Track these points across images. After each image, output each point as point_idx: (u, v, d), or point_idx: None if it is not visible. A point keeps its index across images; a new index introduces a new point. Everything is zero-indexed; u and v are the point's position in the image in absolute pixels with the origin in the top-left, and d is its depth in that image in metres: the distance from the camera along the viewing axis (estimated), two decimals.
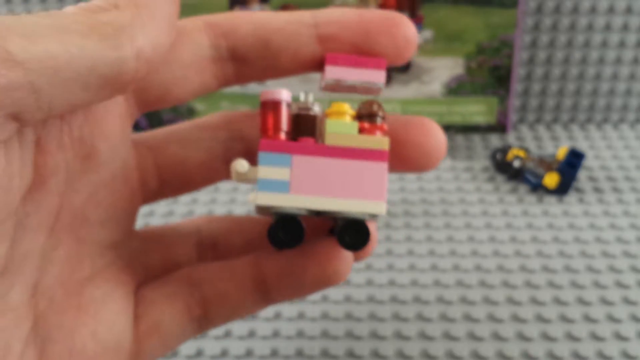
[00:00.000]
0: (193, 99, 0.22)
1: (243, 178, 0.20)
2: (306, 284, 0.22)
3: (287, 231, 0.20)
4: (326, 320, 0.35)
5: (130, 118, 0.21)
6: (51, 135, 0.18)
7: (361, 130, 0.21)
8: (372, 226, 0.22)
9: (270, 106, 0.20)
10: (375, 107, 0.21)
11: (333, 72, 0.21)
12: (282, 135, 0.20)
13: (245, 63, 0.21)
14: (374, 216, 0.21)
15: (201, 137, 0.24)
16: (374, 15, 0.21)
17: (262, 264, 0.22)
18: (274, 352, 0.33)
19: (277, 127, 0.20)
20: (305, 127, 0.21)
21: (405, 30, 0.21)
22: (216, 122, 0.24)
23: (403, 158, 0.22)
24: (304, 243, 0.21)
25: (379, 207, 0.20)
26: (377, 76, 0.21)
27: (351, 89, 0.22)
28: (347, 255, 0.22)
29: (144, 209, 0.44)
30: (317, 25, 0.21)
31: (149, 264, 0.23)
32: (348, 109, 0.21)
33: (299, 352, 0.33)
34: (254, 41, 0.21)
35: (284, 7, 0.46)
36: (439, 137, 0.22)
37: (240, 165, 0.20)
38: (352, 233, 0.21)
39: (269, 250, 0.23)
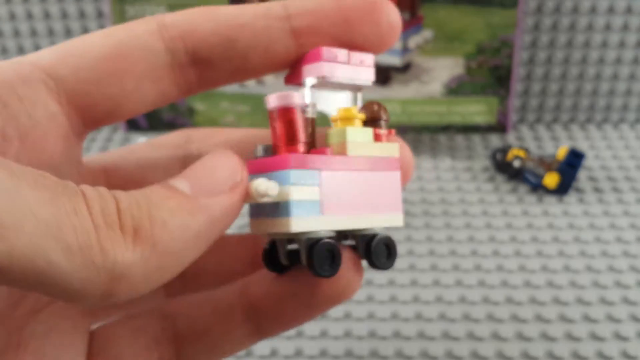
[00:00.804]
0: (152, 109, 0.20)
1: (261, 200, 0.17)
2: (314, 304, 0.19)
3: (332, 259, 0.18)
4: (326, 321, 0.35)
5: (78, 137, 0.19)
6: None
7: (375, 137, 0.19)
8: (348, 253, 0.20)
9: (284, 114, 0.18)
10: (377, 110, 0.19)
11: (319, 70, 0.18)
12: (301, 148, 0.18)
13: (210, 66, 0.19)
14: (389, 228, 0.19)
15: (159, 157, 0.22)
16: (353, 1, 0.19)
17: (253, 290, 0.20)
18: (274, 352, 0.33)
19: (294, 139, 0.18)
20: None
21: (388, 15, 0.19)
22: (175, 141, 0.22)
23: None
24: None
25: (398, 219, 0.19)
26: (367, 74, 0.19)
27: (336, 86, 0.20)
28: (356, 261, 0.19)
29: None
30: (290, 17, 0.19)
31: None
32: (357, 113, 0.19)
33: (299, 352, 0.33)
34: (218, 41, 0.18)
35: None
36: (407, 156, 0.20)
37: (270, 187, 0.17)
38: (385, 252, 0.19)
39: (259, 275, 0.20)
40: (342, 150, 0.18)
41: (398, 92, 0.49)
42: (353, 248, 0.20)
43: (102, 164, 0.21)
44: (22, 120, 0.17)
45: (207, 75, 0.19)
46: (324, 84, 0.19)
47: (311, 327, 0.34)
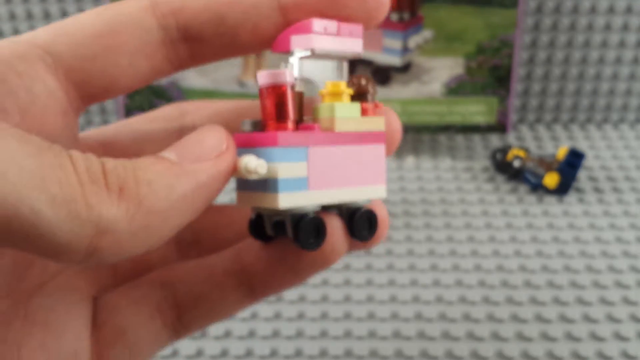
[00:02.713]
0: (146, 85, 0.20)
1: (249, 177, 0.17)
2: (302, 268, 0.20)
3: (317, 233, 0.18)
4: (326, 320, 0.35)
5: (75, 112, 0.20)
6: None
7: (362, 111, 0.20)
8: (383, 212, 0.20)
9: (274, 91, 0.18)
10: (365, 84, 0.20)
11: (308, 42, 0.18)
12: (290, 125, 0.18)
13: (200, 42, 0.19)
14: (370, 200, 0.20)
15: (153, 129, 0.22)
16: None
17: (244, 256, 0.21)
18: (274, 352, 0.33)
19: (284, 116, 0.18)
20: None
21: None
22: (169, 114, 0.23)
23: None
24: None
25: (382, 191, 0.20)
26: (356, 45, 0.19)
27: (324, 56, 0.20)
28: (341, 229, 0.20)
29: None
30: None
31: (117, 266, 0.21)
32: (345, 88, 0.19)
33: (299, 352, 0.33)
34: (208, 17, 0.19)
35: None
36: (394, 124, 0.20)
37: (259, 165, 0.17)
38: (367, 225, 0.20)
39: (250, 241, 0.21)
40: (330, 126, 0.19)
41: (398, 92, 0.49)
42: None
43: (100, 139, 0.21)
44: (21, 95, 0.17)
45: (198, 51, 0.20)
46: (312, 55, 0.19)
47: (311, 326, 0.34)
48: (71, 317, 0.19)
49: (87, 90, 0.19)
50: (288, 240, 0.20)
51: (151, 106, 0.50)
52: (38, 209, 0.13)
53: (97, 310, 0.20)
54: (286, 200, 0.18)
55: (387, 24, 0.47)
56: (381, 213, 0.20)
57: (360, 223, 0.20)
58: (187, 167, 0.16)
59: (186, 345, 0.34)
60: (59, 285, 0.19)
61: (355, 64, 0.48)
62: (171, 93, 0.50)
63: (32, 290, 0.19)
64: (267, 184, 0.18)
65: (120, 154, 0.21)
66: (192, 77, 0.49)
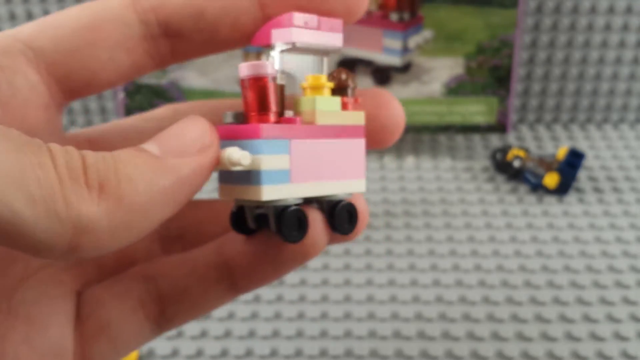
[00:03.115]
0: (128, 81, 0.20)
1: (233, 168, 0.17)
2: (283, 262, 0.20)
3: (299, 225, 0.19)
4: (326, 320, 0.35)
5: (57, 107, 0.20)
6: None
7: (342, 106, 0.20)
8: (363, 205, 0.21)
9: (255, 83, 0.18)
10: (345, 79, 0.20)
11: (288, 36, 0.18)
12: (272, 117, 0.18)
13: (181, 38, 0.20)
14: (350, 194, 0.20)
15: (145, 128, 0.22)
16: None
17: (226, 250, 0.21)
18: (274, 352, 0.33)
19: (266, 107, 0.18)
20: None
21: None
22: (162, 114, 0.23)
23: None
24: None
25: (361, 185, 0.20)
26: (336, 39, 0.19)
27: (304, 51, 0.20)
28: (322, 222, 0.20)
29: None
30: None
31: (101, 261, 0.21)
32: (325, 82, 0.19)
33: (299, 352, 0.33)
34: (188, 13, 0.19)
35: None
36: (397, 110, 0.21)
37: (243, 157, 0.17)
38: (348, 218, 0.20)
39: (232, 235, 0.21)
40: (311, 119, 0.19)
41: (398, 92, 0.49)
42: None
43: (89, 137, 0.22)
44: (2, 88, 0.17)
45: (179, 47, 0.20)
46: (293, 49, 0.19)
47: (311, 326, 0.34)
48: (54, 311, 0.19)
49: (69, 85, 0.19)
50: (269, 233, 0.20)
51: (151, 106, 0.50)
52: (16, 208, 0.13)
53: (81, 305, 0.20)
54: (269, 193, 0.18)
55: (387, 24, 0.47)
56: (361, 206, 0.20)
57: (341, 216, 0.20)
58: (169, 162, 0.16)
59: (186, 345, 0.34)
60: (43, 279, 0.20)
61: (355, 64, 0.48)
62: (171, 93, 0.50)
63: (15, 284, 0.19)
64: (250, 176, 0.18)
65: (108, 149, 0.21)
66: (192, 77, 0.49)
